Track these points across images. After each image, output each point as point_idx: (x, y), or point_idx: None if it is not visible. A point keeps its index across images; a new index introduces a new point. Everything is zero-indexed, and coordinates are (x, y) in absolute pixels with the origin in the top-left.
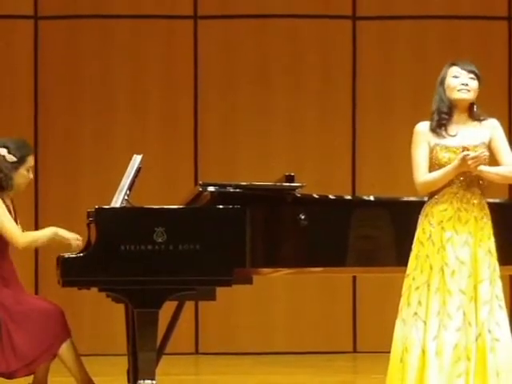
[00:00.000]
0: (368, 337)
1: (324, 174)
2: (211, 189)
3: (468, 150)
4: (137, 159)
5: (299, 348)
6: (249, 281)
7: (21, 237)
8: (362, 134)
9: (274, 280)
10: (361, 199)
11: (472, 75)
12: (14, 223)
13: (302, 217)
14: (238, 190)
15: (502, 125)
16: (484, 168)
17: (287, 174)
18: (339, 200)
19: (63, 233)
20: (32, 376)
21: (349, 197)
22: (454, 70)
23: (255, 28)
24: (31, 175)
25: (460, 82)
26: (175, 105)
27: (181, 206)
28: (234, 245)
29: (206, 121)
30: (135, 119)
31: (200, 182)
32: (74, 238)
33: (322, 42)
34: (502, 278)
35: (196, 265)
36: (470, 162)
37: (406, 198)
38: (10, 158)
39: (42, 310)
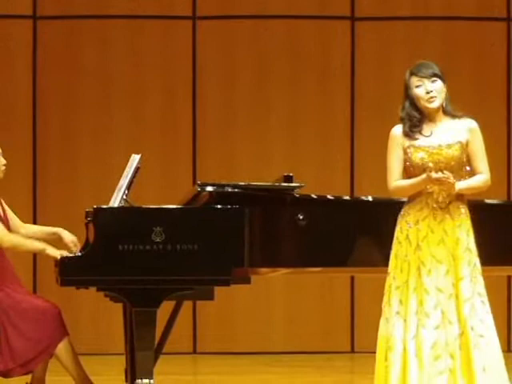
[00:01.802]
0: (365, 337)
1: (322, 174)
2: (210, 189)
3: (441, 169)
4: (135, 159)
5: (297, 348)
6: (247, 280)
7: (5, 236)
8: (360, 135)
9: (272, 280)
10: (359, 200)
11: (433, 78)
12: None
13: (301, 217)
14: (236, 190)
15: (498, 125)
16: (461, 187)
17: (286, 174)
18: (338, 200)
19: (52, 252)
20: (30, 375)
21: (347, 197)
22: (415, 80)
23: (254, 28)
24: (3, 160)
25: (425, 91)
26: (174, 105)
27: (179, 206)
28: (233, 244)
29: (205, 121)
30: (134, 119)
31: (198, 182)
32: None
33: (321, 42)
34: (503, 278)
35: (194, 264)
36: (435, 183)
37: (404, 199)
38: None
39: (39, 309)
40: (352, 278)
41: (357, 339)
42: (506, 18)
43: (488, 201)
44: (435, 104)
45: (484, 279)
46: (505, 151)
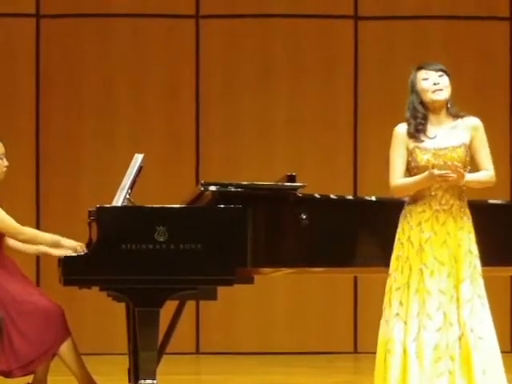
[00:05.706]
0: (369, 337)
1: (326, 174)
2: (213, 188)
3: (450, 163)
4: (138, 158)
5: (300, 348)
6: (250, 280)
7: (20, 232)
8: (363, 134)
9: (275, 280)
10: (362, 199)
11: (440, 73)
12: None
13: (304, 216)
14: (239, 190)
15: (501, 124)
16: (468, 178)
17: (289, 173)
18: (341, 200)
19: (65, 242)
20: (31, 376)
21: (350, 197)
22: (423, 73)
23: (257, 28)
24: (5, 162)
25: (432, 83)
26: (177, 104)
27: (182, 206)
28: (236, 244)
29: (208, 120)
30: (137, 118)
31: (201, 182)
32: (75, 247)
33: (324, 41)
34: (507, 278)
35: (197, 264)
36: (438, 179)
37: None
38: None
39: (42, 310)
40: (355, 278)
41: (360, 340)
42: (509, 17)
43: (491, 201)
44: (441, 96)
45: (485, 279)
46: (508, 150)
